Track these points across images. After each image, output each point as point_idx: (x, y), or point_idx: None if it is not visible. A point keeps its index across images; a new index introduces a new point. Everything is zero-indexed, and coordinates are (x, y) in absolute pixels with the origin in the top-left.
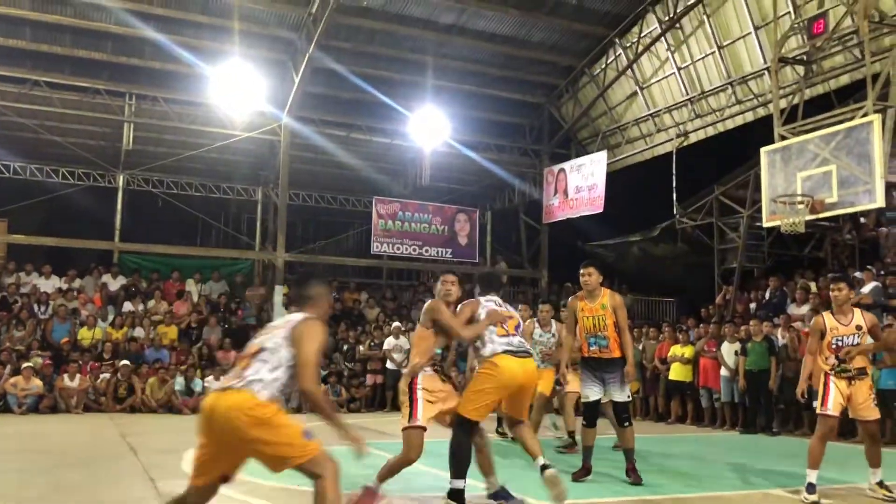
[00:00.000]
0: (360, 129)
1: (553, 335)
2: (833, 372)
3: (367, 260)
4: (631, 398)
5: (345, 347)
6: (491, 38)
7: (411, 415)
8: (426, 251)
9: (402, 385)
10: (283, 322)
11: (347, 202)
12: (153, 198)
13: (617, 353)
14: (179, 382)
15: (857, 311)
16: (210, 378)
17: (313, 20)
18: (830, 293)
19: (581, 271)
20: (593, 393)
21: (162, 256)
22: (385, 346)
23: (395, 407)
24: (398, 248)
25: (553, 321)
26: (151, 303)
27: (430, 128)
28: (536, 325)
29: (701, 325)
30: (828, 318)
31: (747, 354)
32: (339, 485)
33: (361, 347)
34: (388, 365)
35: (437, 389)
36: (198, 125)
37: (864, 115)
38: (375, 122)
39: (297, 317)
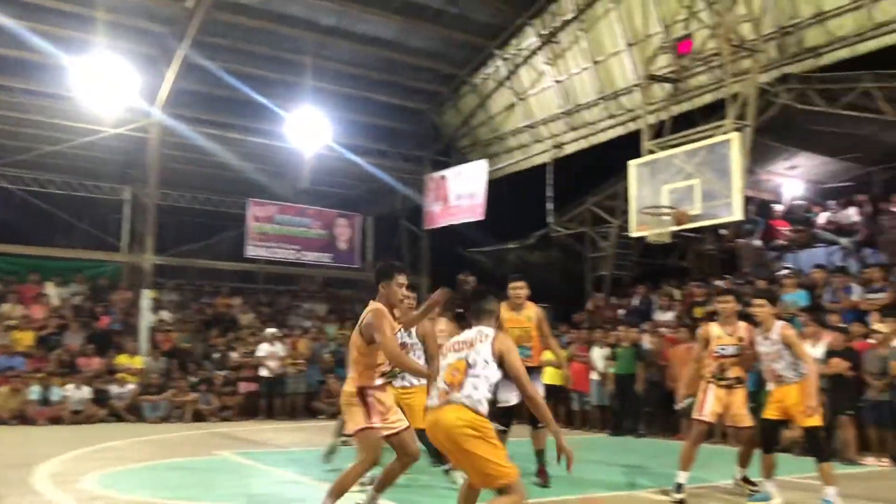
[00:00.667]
0: (237, 129)
1: None
2: (714, 380)
3: (241, 264)
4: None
5: (215, 355)
6: (373, 42)
7: (368, 417)
8: (304, 256)
9: (348, 388)
10: (476, 336)
11: (222, 203)
12: (10, 194)
13: (536, 362)
14: (35, 391)
15: (741, 323)
16: (71, 387)
17: (188, 15)
18: (717, 305)
19: (512, 284)
20: (513, 398)
21: (19, 257)
22: (259, 353)
23: (270, 415)
24: (275, 252)
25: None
26: (6, 307)
27: (310, 130)
28: None
29: (573, 331)
30: (713, 328)
31: (616, 359)
32: None
33: (234, 354)
34: (262, 372)
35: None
36: (60, 119)
37: (725, 132)
38: (253, 121)
39: (489, 332)
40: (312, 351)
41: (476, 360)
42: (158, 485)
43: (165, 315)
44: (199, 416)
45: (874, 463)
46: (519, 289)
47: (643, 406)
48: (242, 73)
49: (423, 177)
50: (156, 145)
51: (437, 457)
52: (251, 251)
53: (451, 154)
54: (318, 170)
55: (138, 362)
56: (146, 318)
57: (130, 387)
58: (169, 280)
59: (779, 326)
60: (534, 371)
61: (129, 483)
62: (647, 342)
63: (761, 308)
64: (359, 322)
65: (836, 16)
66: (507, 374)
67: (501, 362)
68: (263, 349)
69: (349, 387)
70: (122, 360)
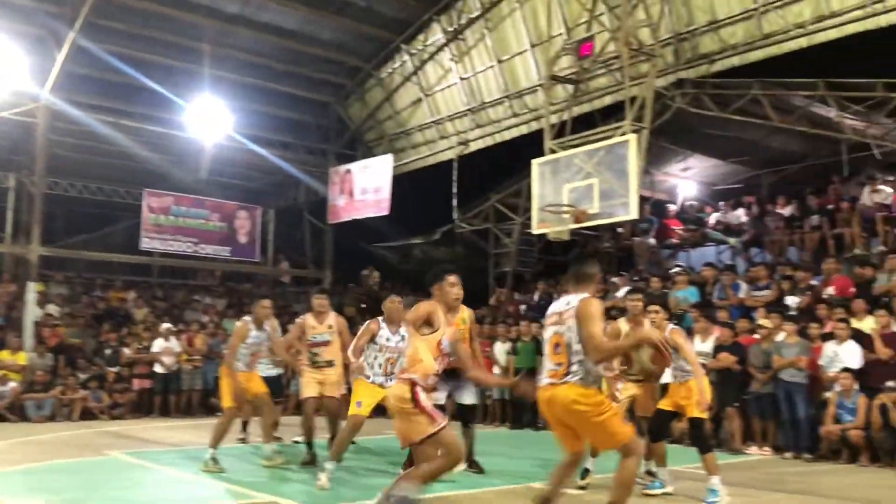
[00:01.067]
0: (133, 116)
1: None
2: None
3: (135, 256)
4: (475, 403)
5: (107, 350)
6: (277, 32)
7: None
8: (202, 249)
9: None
10: (565, 307)
11: (116, 193)
12: None
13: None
14: None
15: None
16: None
17: None
18: (627, 303)
19: (451, 280)
20: (442, 397)
21: None
22: (154, 349)
23: (163, 413)
24: (171, 245)
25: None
26: None
27: (210, 119)
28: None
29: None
30: (623, 325)
31: (517, 353)
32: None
33: (127, 350)
34: (157, 369)
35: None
36: None
37: (623, 134)
38: (150, 109)
39: (575, 298)
40: (210, 347)
41: (570, 338)
42: (40, 488)
43: (53, 309)
44: (88, 415)
45: (757, 452)
46: (456, 286)
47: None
48: (139, 58)
49: (328, 170)
50: (43, 130)
51: None
52: (146, 243)
53: (357, 148)
54: (218, 160)
55: (22, 359)
56: (31, 313)
57: (12, 385)
58: (57, 272)
59: (669, 330)
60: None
61: (6, 487)
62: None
63: (656, 314)
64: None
65: (729, 24)
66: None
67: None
68: (158, 345)
69: (403, 392)
70: (4, 356)
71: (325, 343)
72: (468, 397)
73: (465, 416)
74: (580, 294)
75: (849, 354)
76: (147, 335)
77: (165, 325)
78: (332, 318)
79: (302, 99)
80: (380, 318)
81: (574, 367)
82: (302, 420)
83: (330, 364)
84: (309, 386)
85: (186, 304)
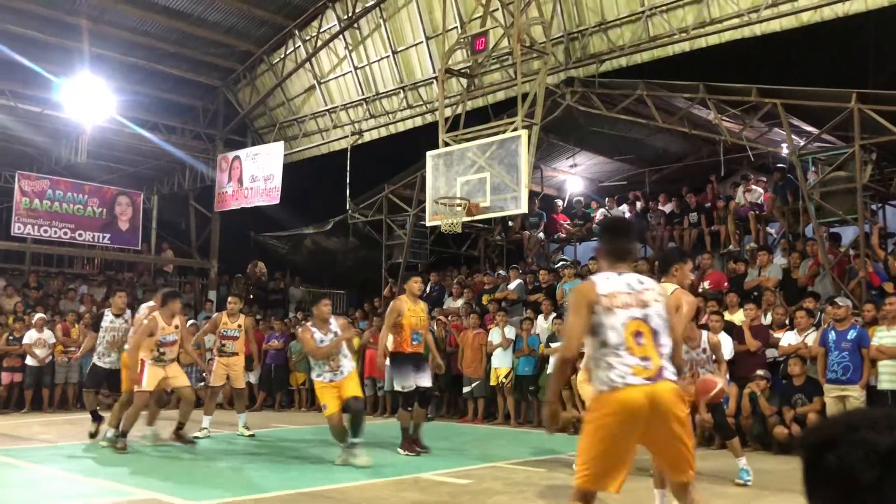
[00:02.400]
0: (4, 94)
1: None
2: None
3: (6, 242)
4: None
5: None
6: (163, 11)
7: None
8: (80, 235)
9: None
10: (641, 287)
11: None
12: None
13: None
14: None
15: None
16: None
17: None
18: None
19: (416, 279)
20: (417, 381)
21: None
22: (25, 341)
23: (36, 408)
24: (45, 231)
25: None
26: None
27: (89, 99)
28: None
29: (369, 318)
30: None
31: None
32: None
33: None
34: (29, 361)
35: None
36: None
37: (515, 129)
38: (23, 87)
39: (653, 282)
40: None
41: (659, 325)
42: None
43: None
44: None
45: None
46: (422, 283)
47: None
48: (10, 32)
49: (216, 156)
50: None
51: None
52: (18, 229)
53: (247, 134)
54: (98, 143)
55: None
56: None
57: None
58: None
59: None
60: (425, 356)
61: None
62: (436, 328)
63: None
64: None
65: (617, 26)
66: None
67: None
68: (30, 336)
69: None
70: None
71: (234, 338)
72: (427, 381)
73: (426, 395)
74: (665, 283)
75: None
76: (18, 326)
77: (39, 316)
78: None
79: (190, 82)
80: (309, 324)
81: (666, 362)
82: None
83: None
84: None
85: (62, 293)
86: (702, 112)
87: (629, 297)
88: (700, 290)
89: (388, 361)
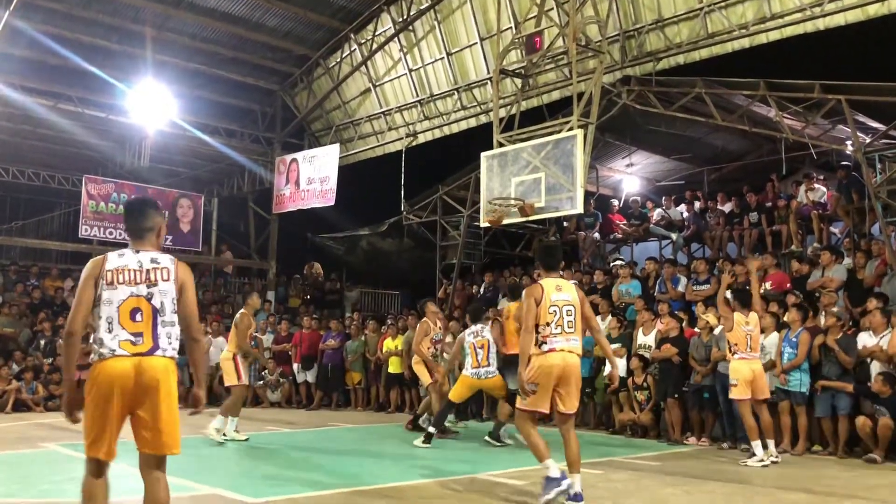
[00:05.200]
0: (72, 100)
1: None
2: None
3: (73, 244)
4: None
5: (42, 342)
6: (222, 18)
7: None
8: None
9: None
10: None
11: (53, 179)
12: None
13: None
14: None
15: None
16: None
17: None
18: None
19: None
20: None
21: None
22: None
23: None
24: (111, 233)
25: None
26: None
27: (152, 104)
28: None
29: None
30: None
31: None
32: None
33: (62, 341)
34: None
35: None
36: None
37: (570, 129)
38: (90, 93)
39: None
40: None
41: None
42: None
43: None
44: (22, 407)
45: (695, 443)
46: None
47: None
48: (78, 41)
49: (274, 159)
50: None
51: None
52: (85, 231)
53: (304, 137)
54: (160, 147)
55: None
56: None
57: None
58: None
59: None
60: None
61: None
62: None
63: None
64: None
65: (674, 23)
66: None
67: None
68: None
69: None
70: None
71: None
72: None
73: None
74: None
75: (774, 347)
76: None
77: None
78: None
79: (248, 86)
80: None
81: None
82: None
83: None
84: None
85: None
86: (762, 109)
87: None
88: (762, 292)
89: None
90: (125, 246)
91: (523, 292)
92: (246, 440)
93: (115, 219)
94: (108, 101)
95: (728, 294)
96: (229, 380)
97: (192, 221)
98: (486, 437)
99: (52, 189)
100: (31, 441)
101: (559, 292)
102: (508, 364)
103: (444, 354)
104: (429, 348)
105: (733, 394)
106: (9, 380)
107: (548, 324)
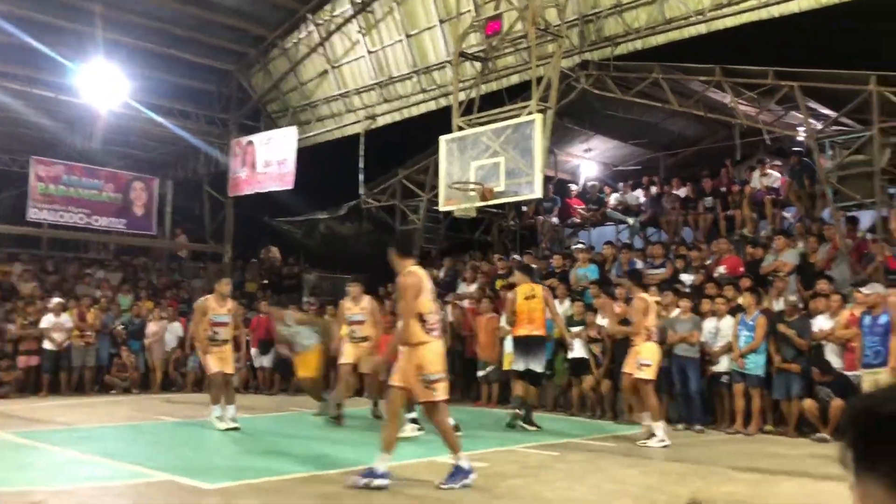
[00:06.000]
0: (18, 79)
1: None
2: None
3: (21, 227)
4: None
5: None
6: None
7: None
8: (95, 220)
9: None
10: None
11: None
12: None
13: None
14: None
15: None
16: None
17: None
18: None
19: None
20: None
21: None
22: (43, 325)
23: (53, 391)
24: (61, 216)
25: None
26: None
27: (103, 84)
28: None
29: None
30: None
31: None
32: None
33: (12, 326)
34: (46, 345)
35: None
36: None
37: (529, 113)
38: (39, 72)
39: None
40: (103, 322)
41: None
42: None
43: None
44: None
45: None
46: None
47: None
48: (25, 17)
49: (229, 141)
50: None
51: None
52: (34, 214)
53: (260, 119)
54: (113, 129)
55: None
56: None
57: None
58: None
59: None
60: None
61: None
62: (449, 313)
63: None
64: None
65: (632, 8)
66: None
67: None
68: (47, 320)
69: None
70: None
71: (225, 324)
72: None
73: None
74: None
75: (729, 330)
76: (33, 310)
77: (56, 300)
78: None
79: (203, 67)
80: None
81: None
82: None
83: (226, 342)
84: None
85: (78, 278)
86: (718, 95)
87: None
88: (715, 275)
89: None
90: (78, 230)
91: (406, 283)
92: (235, 429)
93: (66, 201)
94: (57, 81)
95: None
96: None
97: (146, 205)
98: (521, 423)
99: None
100: None
101: (428, 280)
102: (522, 345)
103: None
104: (205, 330)
105: (646, 374)
106: None
107: (431, 311)
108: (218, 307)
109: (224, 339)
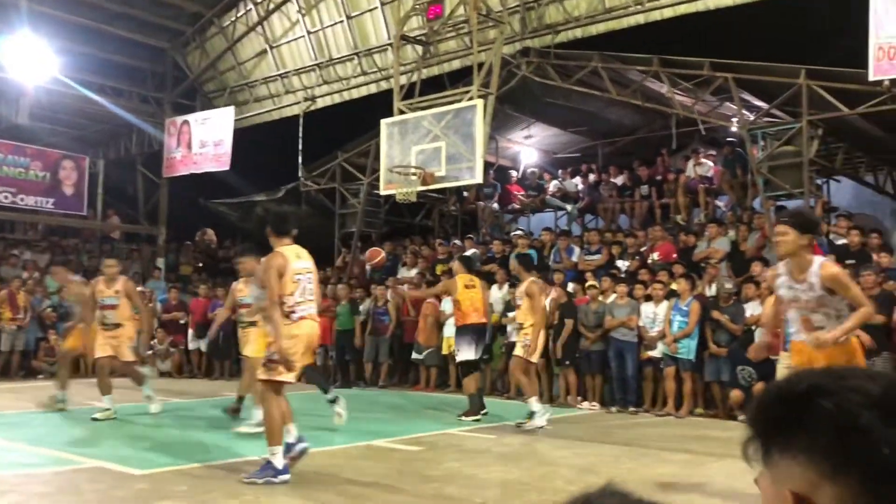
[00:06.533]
0: None
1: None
2: None
3: None
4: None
5: None
6: None
7: None
8: (22, 200)
9: None
10: None
11: None
12: None
13: None
14: None
15: None
16: None
17: None
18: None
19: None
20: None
21: None
22: None
23: None
24: None
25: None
26: None
27: (30, 59)
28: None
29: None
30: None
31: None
32: None
33: None
34: None
35: None
36: None
37: (470, 98)
38: None
39: None
40: (31, 305)
41: None
42: None
43: None
44: None
45: (587, 407)
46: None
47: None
48: None
49: (164, 120)
50: None
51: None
52: None
53: (196, 98)
54: (42, 105)
55: None
56: None
57: None
58: None
59: None
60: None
61: None
62: (390, 297)
63: None
64: None
65: None
66: None
67: None
68: None
69: None
70: None
71: (113, 307)
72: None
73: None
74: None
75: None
76: None
77: None
78: (121, 282)
79: (137, 43)
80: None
81: None
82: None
83: (118, 326)
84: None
85: (3, 259)
86: (655, 85)
87: None
88: (649, 261)
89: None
90: (4, 209)
91: (267, 264)
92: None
93: None
94: None
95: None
96: None
97: (76, 184)
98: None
99: None
100: None
101: (299, 260)
102: (472, 333)
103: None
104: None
105: (537, 357)
106: None
107: (291, 293)
108: (105, 289)
109: (114, 322)
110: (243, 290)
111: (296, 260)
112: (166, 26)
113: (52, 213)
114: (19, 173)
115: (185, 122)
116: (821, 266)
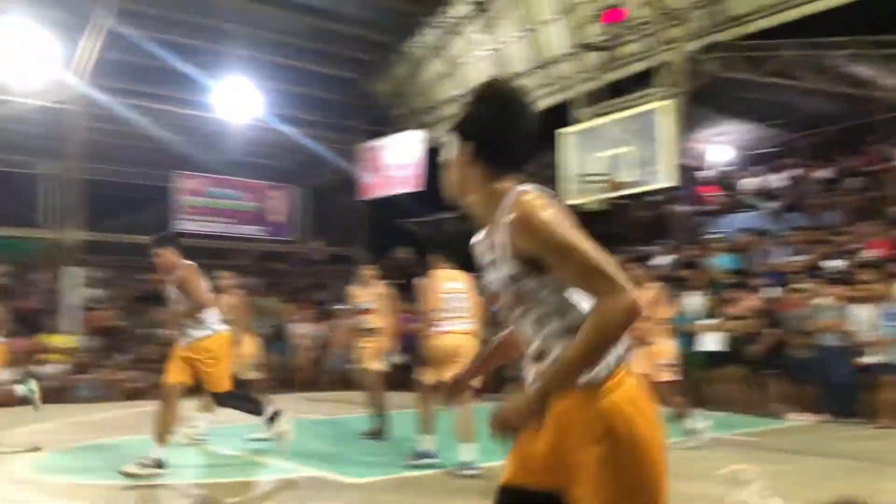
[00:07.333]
0: (162, 100)
1: None
2: None
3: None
4: None
5: (150, 331)
6: (299, 9)
7: None
8: (237, 229)
9: None
10: None
11: (148, 177)
12: None
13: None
14: None
15: None
16: None
17: None
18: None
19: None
20: None
21: None
22: None
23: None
24: (207, 226)
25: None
26: None
27: (239, 100)
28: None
29: None
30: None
31: None
32: None
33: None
34: None
35: None
36: None
37: (655, 100)
38: (180, 92)
39: None
40: None
41: None
42: (93, 466)
43: (94, 292)
44: (136, 395)
45: (797, 418)
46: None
47: None
48: (170, 41)
49: (357, 147)
50: (81, 118)
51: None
52: (182, 225)
53: (386, 124)
54: (247, 141)
55: (66, 341)
56: (74, 296)
57: (58, 367)
58: (93, 257)
59: None
60: None
61: (62, 466)
62: None
63: None
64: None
65: None
66: None
67: None
68: None
69: None
70: (49, 339)
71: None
72: None
73: None
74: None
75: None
76: None
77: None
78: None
79: (328, 76)
80: None
81: None
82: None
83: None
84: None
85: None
86: (857, 68)
87: None
88: (863, 260)
89: None
90: (225, 239)
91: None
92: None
93: (210, 212)
94: (197, 99)
95: None
96: None
97: (283, 212)
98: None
99: (145, 186)
100: (140, 427)
101: (451, 282)
102: None
103: None
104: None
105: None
106: (119, 369)
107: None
108: (361, 293)
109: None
110: (360, 294)
111: (447, 281)
112: (354, 58)
113: (262, 240)
114: (233, 205)
115: (377, 147)
116: None
